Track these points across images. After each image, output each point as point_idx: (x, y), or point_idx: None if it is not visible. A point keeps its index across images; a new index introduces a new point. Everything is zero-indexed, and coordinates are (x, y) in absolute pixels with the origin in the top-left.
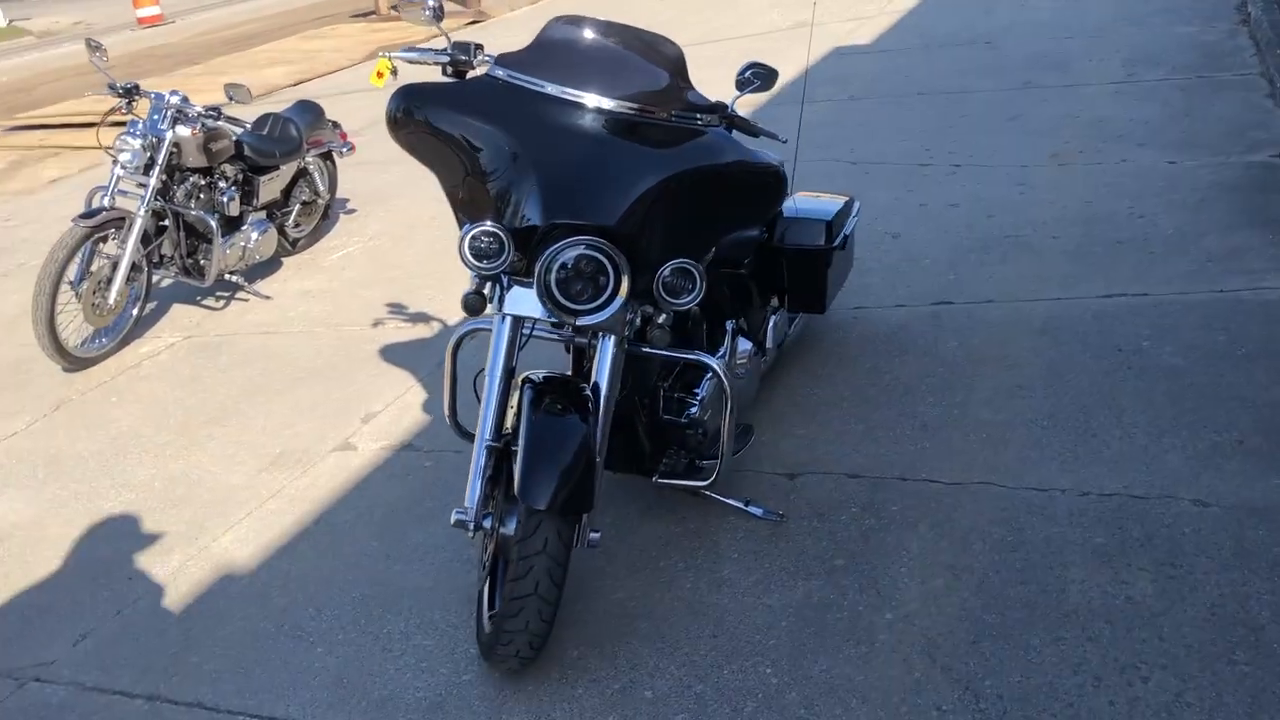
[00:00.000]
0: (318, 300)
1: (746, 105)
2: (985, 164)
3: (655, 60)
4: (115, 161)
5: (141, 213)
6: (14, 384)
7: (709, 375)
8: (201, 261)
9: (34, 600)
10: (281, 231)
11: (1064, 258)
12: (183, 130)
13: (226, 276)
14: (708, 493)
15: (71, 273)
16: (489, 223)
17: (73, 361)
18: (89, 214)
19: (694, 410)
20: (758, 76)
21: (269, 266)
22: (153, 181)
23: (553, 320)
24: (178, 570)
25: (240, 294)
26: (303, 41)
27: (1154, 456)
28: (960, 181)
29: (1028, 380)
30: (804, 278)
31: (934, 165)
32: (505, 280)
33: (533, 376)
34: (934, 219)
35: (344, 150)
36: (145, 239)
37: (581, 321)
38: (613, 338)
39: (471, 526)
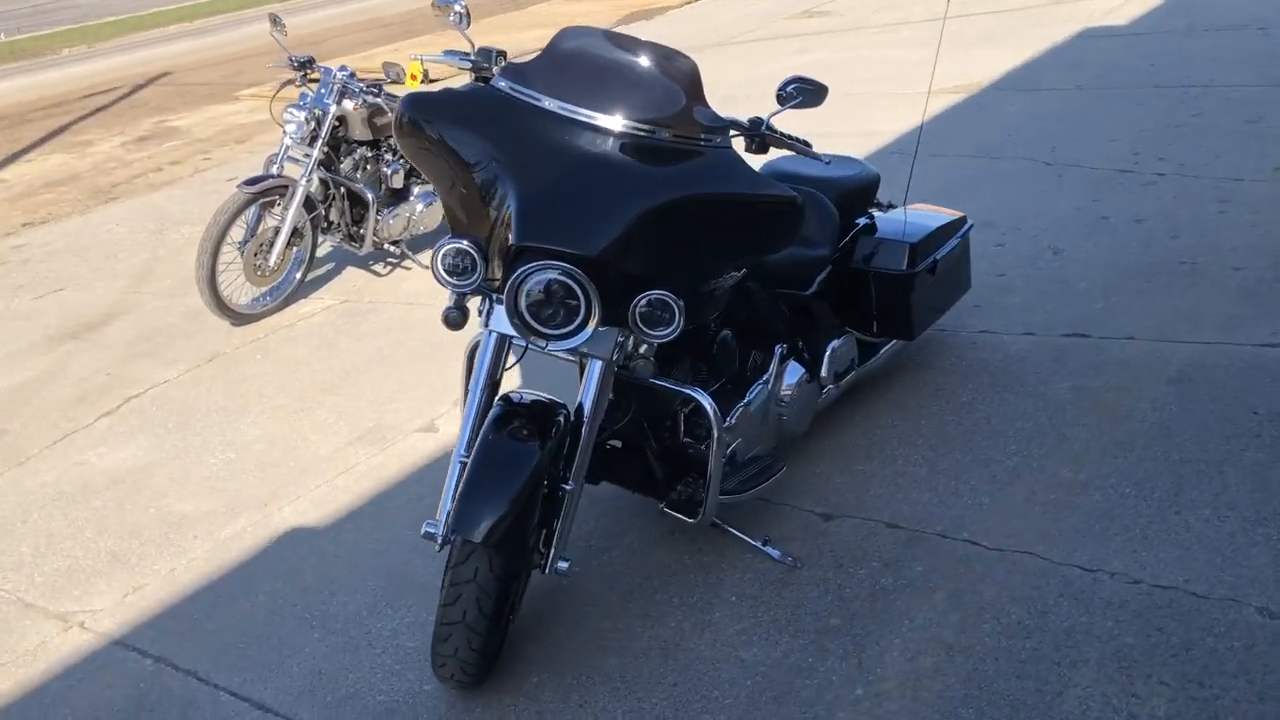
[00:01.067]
0: None
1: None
2: (1193, 174)
3: (665, 76)
4: (284, 132)
5: (303, 182)
6: (185, 334)
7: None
8: (362, 230)
9: (112, 546)
10: None
11: (1236, 294)
12: (348, 104)
13: (388, 246)
14: (727, 527)
15: (239, 235)
16: (463, 239)
17: (236, 318)
18: (252, 180)
19: (702, 438)
20: (801, 92)
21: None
22: (315, 153)
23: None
24: (237, 535)
25: (406, 263)
26: (563, 5)
27: (1237, 548)
28: (1157, 193)
29: (1130, 436)
30: (883, 304)
31: (1135, 172)
32: (493, 296)
33: (512, 396)
34: (1110, 235)
35: None
36: (310, 206)
37: (553, 347)
38: (600, 362)
39: (440, 540)
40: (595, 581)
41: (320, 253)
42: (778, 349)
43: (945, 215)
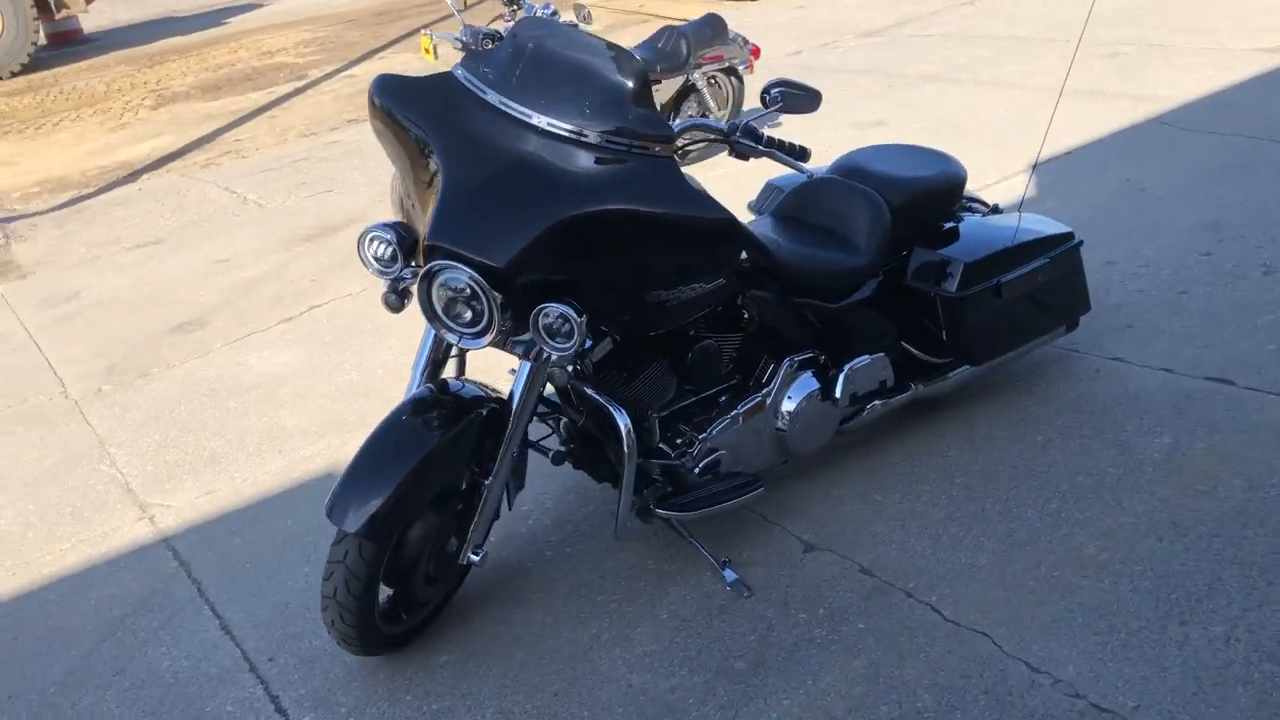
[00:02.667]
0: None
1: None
2: None
3: (608, 76)
4: None
5: None
6: None
7: (716, 414)
8: None
9: (216, 448)
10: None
11: None
12: None
13: None
14: (694, 540)
15: None
16: (386, 227)
17: None
18: None
19: (683, 446)
20: (785, 96)
21: None
22: None
23: None
24: (309, 457)
25: None
26: None
27: (1222, 683)
28: None
29: (1194, 518)
30: (934, 324)
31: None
32: None
33: (449, 383)
34: None
35: (741, 66)
36: None
37: (463, 344)
38: (529, 362)
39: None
40: (557, 569)
41: None
42: (786, 361)
43: (1040, 229)
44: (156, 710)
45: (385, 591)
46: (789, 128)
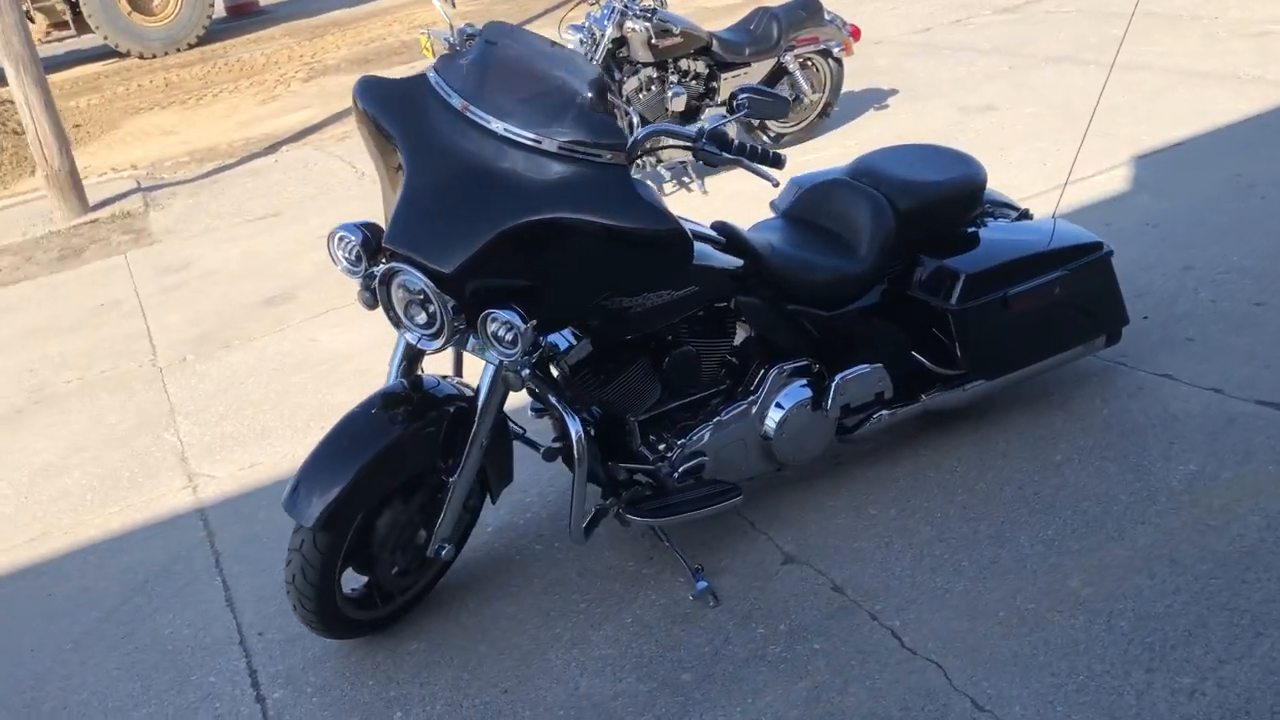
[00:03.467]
0: (744, 203)
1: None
2: None
3: (565, 83)
4: None
5: None
6: None
7: (701, 419)
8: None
9: (269, 422)
10: (762, 127)
11: None
12: (631, 26)
13: (660, 169)
14: (671, 544)
15: None
16: (352, 228)
17: None
18: None
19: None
20: (751, 103)
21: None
22: None
23: None
24: None
25: (691, 184)
26: None
27: None
28: None
29: (1194, 556)
30: (945, 335)
31: None
32: None
33: (424, 379)
34: None
35: (837, 49)
36: None
37: (420, 345)
38: (492, 365)
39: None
40: (540, 563)
41: None
42: (775, 369)
43: (1064, 239)
44: (148, 676)
45: (359, 579)
46: (896, 111)
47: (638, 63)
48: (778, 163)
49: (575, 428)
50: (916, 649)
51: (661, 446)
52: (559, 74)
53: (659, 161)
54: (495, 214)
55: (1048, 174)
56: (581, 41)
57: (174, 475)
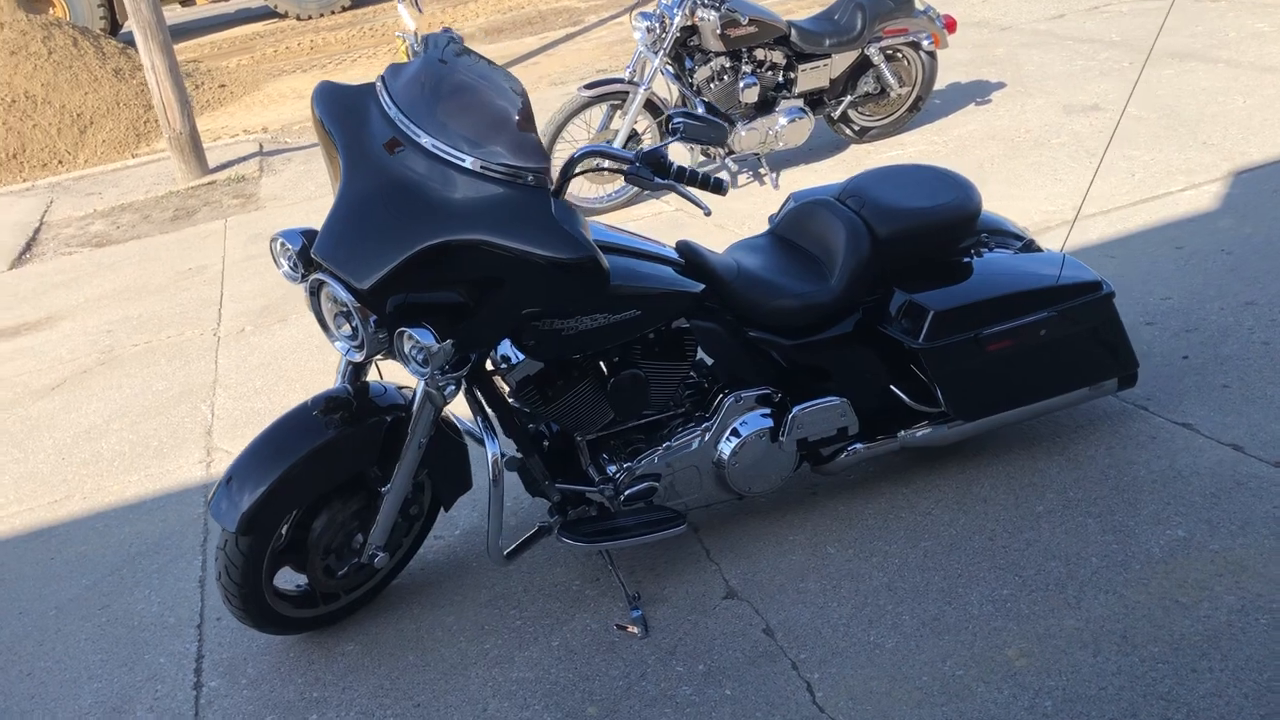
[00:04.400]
0: None
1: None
2: None
3: (493, 99)
4: (636, 39)
5: (642, 88)
6: None
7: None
8: None
9: (295, 399)
10: (845, 120)
11: None
12: (703, 14)
13: (726, 160)
14: (615, 568)
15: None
16: (289, 233)
17: (587, 212)
18: (593, 84)
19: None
20: (687, 128)
21: (828, 150)
22: (656, 60)
23: None
24: None
25: (766, 177)
26: None
27: None
28: None
29: (1144, 635)
30: (912, 370)
31: None
32: None
33: (371, 385)
34: None
35: (927, 41)
36: (654, 111)
37: (347, 356)
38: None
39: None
40: (490, 575)
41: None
42: (732, 397)
43: (1063, 277)
44: (109, 650)
45: (299, 578)
46: (996, 108)
47: (709, 51)
48: (718, 189)
49: (492, 449)
50: (825, 707)
51: (611, 468)
52: (490, 93)
53: (729, 153)
54: (414, 231)
55: (1133, 186)
56: (649, 29)
57: (195, 448)
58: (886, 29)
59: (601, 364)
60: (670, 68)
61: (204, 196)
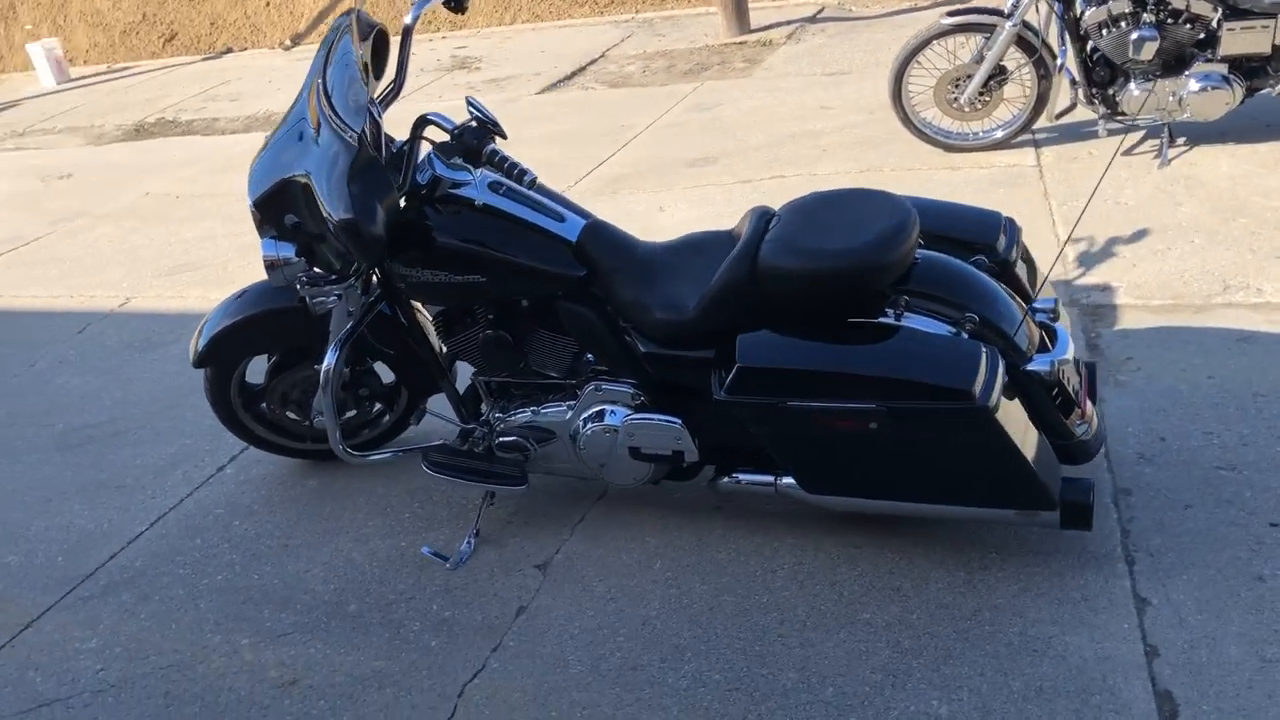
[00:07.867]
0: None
1: None
2: None
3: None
4: None
5: (1010, 23)
6: (861, 143)
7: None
8: (1111, 92)
9: None
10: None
11: None
12: None
13: (1111, 119)
14: (487, 505)
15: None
16: None
17: (939, 143)
18: (955, 12)
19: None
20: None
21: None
22: None
23: None
24: None
25: (1163, 148)
26: None
27: None
28: None
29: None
30: None
31: None
32: None
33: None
34: None
35: None
36: (1029, 49)
37: None
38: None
39: None
40: (413, 476)
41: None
42: (593, 384)
43: (928, 375)
44: (95, 497)
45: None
46: None
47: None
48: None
49: (329, 360)
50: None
51: (496, 414)
52: (359, 50)
53: (1112, 114)
54: (289, 161)
55: None
56: None
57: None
58: None
59: (490, 317)
60: (1059, 2)
61: (725, 56)
